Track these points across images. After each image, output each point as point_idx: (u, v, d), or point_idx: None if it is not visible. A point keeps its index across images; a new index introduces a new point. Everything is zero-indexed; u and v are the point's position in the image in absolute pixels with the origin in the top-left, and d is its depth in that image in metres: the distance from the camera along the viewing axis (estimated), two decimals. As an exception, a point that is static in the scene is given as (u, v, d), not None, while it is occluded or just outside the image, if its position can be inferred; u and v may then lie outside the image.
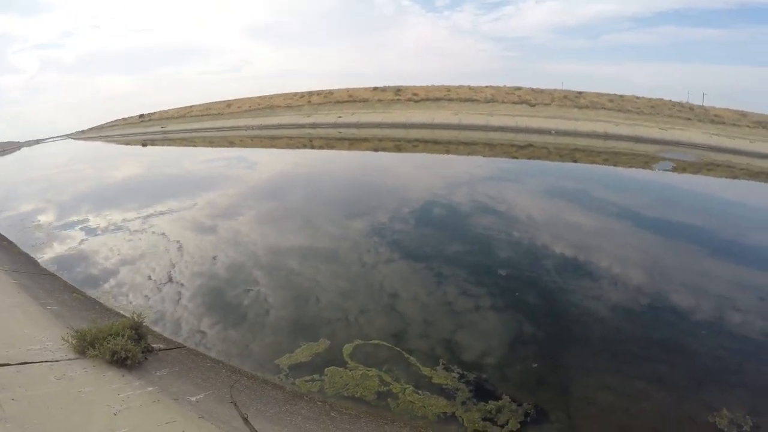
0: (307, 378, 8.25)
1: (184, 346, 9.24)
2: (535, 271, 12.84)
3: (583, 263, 13.75)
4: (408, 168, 28.99)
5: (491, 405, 7.50)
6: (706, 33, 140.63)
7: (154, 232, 16.37)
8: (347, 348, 9.08)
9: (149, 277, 12.66)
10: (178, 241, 15.18)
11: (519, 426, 7.13)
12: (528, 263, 13.36)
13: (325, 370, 8.45)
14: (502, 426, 7.10)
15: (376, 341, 9.26)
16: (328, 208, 19.21)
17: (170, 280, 12.45)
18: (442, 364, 8.50)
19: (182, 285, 12.13)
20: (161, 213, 19.09)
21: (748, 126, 59.33)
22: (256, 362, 8.79)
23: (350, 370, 8.42)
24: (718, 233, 19.46)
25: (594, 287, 12.35)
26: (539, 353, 9.15)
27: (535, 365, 8.68)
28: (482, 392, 7.83)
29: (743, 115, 61.53)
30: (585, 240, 15.80)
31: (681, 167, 34.12)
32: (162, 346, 8.87)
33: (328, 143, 43.28)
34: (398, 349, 8.99)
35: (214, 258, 13.80)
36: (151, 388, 6.91)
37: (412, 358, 8.68)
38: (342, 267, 13.01)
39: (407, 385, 7.99)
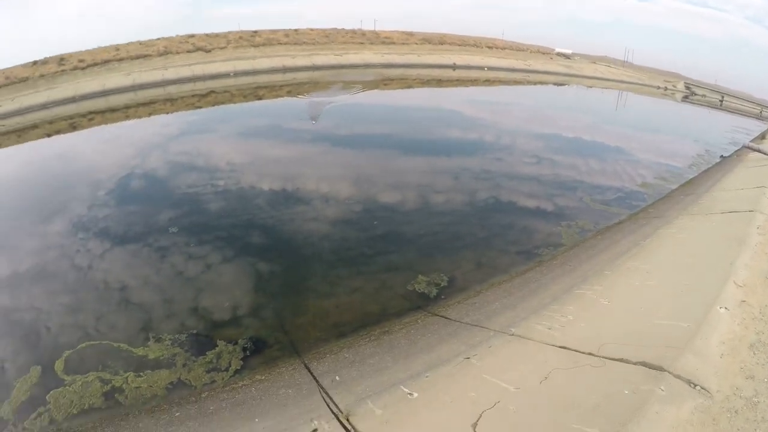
0: (34, 415, 7.19)
1: None
2: (251, 213, 13.13)
3: (292, 192, 14.68)
4: (93, 145, 25.27)
5: (210, 355, 7.66)
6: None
7: None
8: (58, 364, 8.12)
9: None
10: None
11: (242, 363, 7.48)
12: (242, 207, 13.53)
13: (47, 397, 7.47)
14: (226, 370, 7.35)
15: (82, 345, 8.45)
16: None
17: None
18: (152, 337, 8.23)
19: None
20: None
21: (415, 43, 67.63)
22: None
23: (69, 386, 7.61)
24: (406, 136, 22.75)
25: (309, 210, 13.39)
26: (276, 287, 9.64)
27: (225, 304, 8.99)
28: (198, 347, 7.90)
29: (410, 34, 69.75)
30: (288, 170, 16.70)
31: (366, 87, 37.57)
32: None
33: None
34: (106, 342, 8.38)
35: None
36: None
37: (121, 344, 8.20)
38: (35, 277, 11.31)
39: (128, 374, 7.60)
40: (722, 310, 6.52)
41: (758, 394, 4.85)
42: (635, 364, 5.37)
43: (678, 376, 5.00)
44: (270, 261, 10.58)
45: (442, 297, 9.36)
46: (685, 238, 10.93)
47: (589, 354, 5.82)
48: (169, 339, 8.11)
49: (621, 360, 5.53)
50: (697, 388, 4.86)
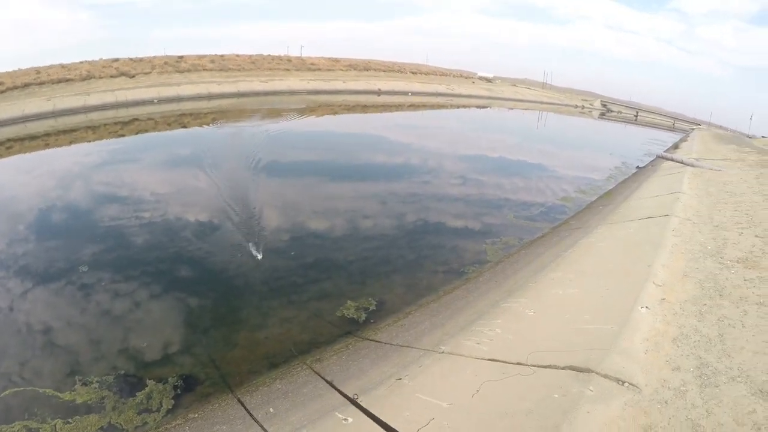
0: (-41, 470, 6.71)
1: None
2: (179, 246, 12.83)
3: (220, 223, 14.42)
4: (10, 176, 22.97)
5: (140, 396, 7.32)
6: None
7: None
8: (-19, 415, 7.63)
9: None
10: None
11: (173, 402, 7.21)
12: (169, 240, 13.18)
13: (-28, 451, 6.98)
14: (157, 410, 7.06)
15: (5, 392, 7.90)
16: None
17: None
18: (79, 381, 7.81)
19: None
20: None
21: (341, 69, 68.53)
22: None
23: (-7, 437, 7.15)
24: (331, 163, 22.86)
25: (231, 239, 13.27)
26: (206, 321, 9.42)
27: (145, 344, 8.70)
28: (127, 388, 7.54)
29: (336, 61, 70.69)
30: (215, 200, 16.39)
31: (291, 114, 37.56)
32: None
33: None
34: (31, 388, 7.89)
35: None
36: None
37: (47, 390, 7.73)
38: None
39: (55, 421, 7.14)
40: (643, 309, 6.89)
41: (686, 383, 5.08)
42: (563, 368, 5.56)
43: (606, 376, 5.21)
44: (199, 295, 10.31)
45: (372, 321, 9.46)
46: (605, 246, 11.51)
47: (518, 364, 5.98)
48: (97, 381, 7.68)
49: (549, 366, 5.72)
50: (626, 384, 5.07)
